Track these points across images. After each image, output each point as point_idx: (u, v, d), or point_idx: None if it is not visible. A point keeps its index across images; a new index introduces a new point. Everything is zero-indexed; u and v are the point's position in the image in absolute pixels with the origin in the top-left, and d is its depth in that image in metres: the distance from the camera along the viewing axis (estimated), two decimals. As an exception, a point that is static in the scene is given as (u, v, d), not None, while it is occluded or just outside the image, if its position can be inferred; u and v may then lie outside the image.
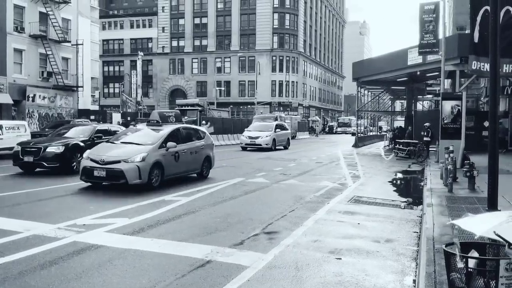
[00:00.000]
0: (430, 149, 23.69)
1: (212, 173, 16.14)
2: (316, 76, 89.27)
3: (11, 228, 7.50)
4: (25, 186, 12.58)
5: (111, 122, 39.44)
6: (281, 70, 74.68)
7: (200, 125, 37.06)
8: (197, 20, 78.84)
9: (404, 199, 11.46)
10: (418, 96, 40.40)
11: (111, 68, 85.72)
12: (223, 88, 73.99)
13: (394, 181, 15.69)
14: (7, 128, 22.91)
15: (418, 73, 27.19)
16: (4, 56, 31.37)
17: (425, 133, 23.08)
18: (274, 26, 74.85)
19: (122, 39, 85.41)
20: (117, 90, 77.29)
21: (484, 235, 3.58)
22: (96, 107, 58.90)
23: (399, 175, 17.61)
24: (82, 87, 40.03)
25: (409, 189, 14.73)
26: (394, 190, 13.58)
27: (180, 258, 6.19)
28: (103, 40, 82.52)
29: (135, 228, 7.79)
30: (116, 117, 41.02)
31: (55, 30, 34.98)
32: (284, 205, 10.27)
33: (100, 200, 10.59)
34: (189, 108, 38.77)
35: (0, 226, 7.66)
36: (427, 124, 23.41)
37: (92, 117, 37.54)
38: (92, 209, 9.32)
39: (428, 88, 38.36)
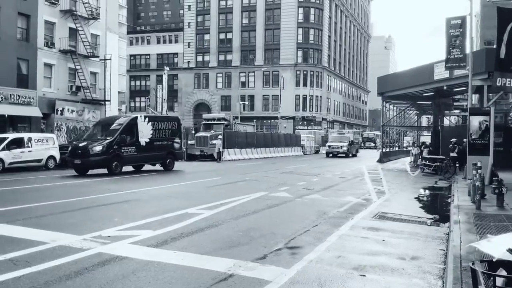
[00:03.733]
0: (457, 165, 23.23)
1: (234, 187, 16.17)
2: (340, 90, 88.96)
3: (38, 239, 7.65)
4: (52, 197, 12.84)
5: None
6: (305, 84, 74.73)
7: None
8: (222, 36, 79.82)
9: (431, 216, 11.23)
10: (445, 111, 39.74)
11: (137, 83, 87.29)
12: (247, 102, 74.38)
13: (420, 198, 15.40)
14: (36, 141, 23.52)
15: (445, 88, 26.79)
16: (35, 70, 32.31)
17: (452, 149, 22.64)
18: (299, 41, 75.15)
19: (149, 54, 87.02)
20: (143, 104, 78.53)
21: (501, 258, 3.48)
22: (122, 121, 59.79)
23: (425, 191, 17.29)
24: (110, 101, 40.83)
25: (436, 205, 14.42)
26: (420, 207, 13.32)
27: (202, 271, 6.19)
28: (130, 55, 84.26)
29: (159, 240, 7.84)
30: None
31: (84, 46, 35.91)
32: (307, 220, 10.20)
33: (125, 212, 10.72)
34: (215, 122, 39.05)
35: (28, 236, 7.83)
36: (454, 139, 22.98)
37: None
38: (117, 221, 9.44)
39: (455, 103, 37.70)
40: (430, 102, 37.05)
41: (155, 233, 8.39)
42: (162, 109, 49.92)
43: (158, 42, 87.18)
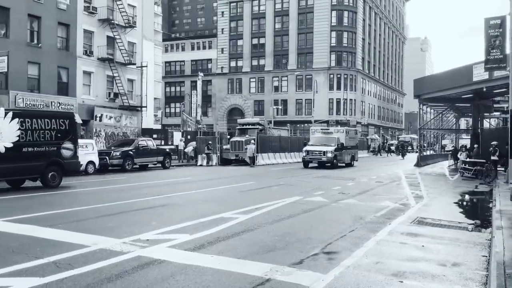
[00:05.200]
0: (498, 169, 22.47)
1: (269, 192, 16.16)
2: (375, 93, 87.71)
3: (79, 242, 7.87)
4: (92, 202, 13.19)
5: (172, 141, 40.76)
6: (338, 88, 74.09)
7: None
8: (255, 41, 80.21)
9: (471, 221, 10.90)
10: (485, 114, 38.57)
11: (172, 89, 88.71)
12: (280, 107, 74.34)
13: (460, 202, 14.98)
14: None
15: (484, 89, 26.03)
16: (74, 78, 33.37)
17: (493, 152, 21.93)
18: (332, 44, 74.63)
19: (183, 61, 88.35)
20: (178, 110, 79.69)
21: None
22: (158, 126, 61.04)
23: (466, 196, 16.81)
24: (146, 107, 41.68)
25: (477, 210, 13.99)
26: (461, 212, 12.96)
27: (239, 275, 6.22)
28: (166, 62, 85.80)
29: (196, 244, 7.93)
30: (177, 135, 42.22)
31: (122, 53, 36.83)
32: (344, 225, 10.09)
33: (162, 216, 10.90)
34: (250, 127, 39.21)
35: (70, 240, 8.07)
36: (494, 142, 22.26)
37: (155, 135, 38.89)
38: (155, 225, 9.60)
39: (495, 105, 36.56)
40: (469, 104, 36.06)
41: (192, 237, 8.49)
42: (196, 115, 50.51)
43: (192, 48, 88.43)
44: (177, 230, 9.15)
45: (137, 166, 28.08)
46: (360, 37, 77.72)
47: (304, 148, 32.31)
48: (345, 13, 75.08)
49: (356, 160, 36.16)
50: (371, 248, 7.94)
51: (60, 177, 17.88)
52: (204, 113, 72.44)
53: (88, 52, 34.60)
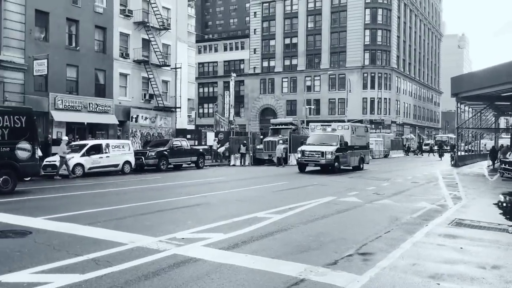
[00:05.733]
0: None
1: (302, 192, 16.09)
2: (411, 92, 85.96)
3: (117, 240, 8.07)
4: (129, 200, 13.49)
5: (205, 141, 41.18)
6: (372, 87, 72.99)
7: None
8: (287, 40, 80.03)
9: (513, 223, 10.54)
10: (526, 112, 37.21)
11: (205, 89, 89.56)
12: (312, 106, 73.88)
13: (500, 204, 14.51)
14: (113, 147, 24.80)
15: (526, 87, 25.10)
16: (111, 80, 34.18)
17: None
18: (366, 43, 73.62)
19: (216, 62, 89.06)
20: (211, 110, 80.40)
21: None
22: (192, 127, 61.77)
23: (506, 197, 16.27)
24: (180, 108, 42.26)
25: (518, 212, 13.52)
26: (501, 213, 12.56)
27: (274, 275, 6.24)
28: (199, 63, 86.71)
29: (230, 243, 8.00)
30: (210, 136, 42.62)
31: (156, 55, 37.47)
32: (379, 226, 9.95)
33: (197, 215, 11.03)
34: (283, 127, 39.18)
35: (108, 237, 8.28)
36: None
37: (188, 136, 39.38)
38: (190, 224, 9.74)
39: (537, 103, 35.20)
40: (509, 103, 34.88)
41: (226, 236, 8.56)
42: (229, 115, 50.85)
43: (225, 49, 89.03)
44: (211, 229, 9.24)
45: (172, 166, 28.50)
46: (395, 35, 76.34)
47: (299, 148, 26.99)
48: (379, 11, 73.92)
49: (367, 163, 30.74)
50: (407, 249, 7.80)
51: (14, 182, 15.56)
52: (237, 113, 72.79)
53: (124, 55, 35.36)
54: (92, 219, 10.12)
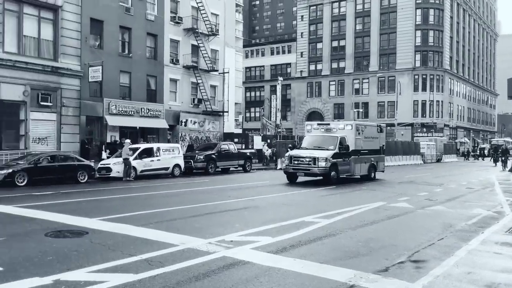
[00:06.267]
0: None
1: (351, 196, 15.86)
2: (464, 94, 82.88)
3: (169, 241, 8.27)
4: (180, 203, 13.78)
5: (252, 145, 41.42)
6: (424, 89, 70.95)
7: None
8: (335, 43, 79.29)
9: None
10: None
11: (252, 94, 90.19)
12: (361, 110, 72.69)
13: None
14: (163, 150, 25.45)
15: None
16: (162, 85, 35.10)
17: None
18: (417, 44, 71.71)
19: (263, 66, 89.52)
20: (257, 114, 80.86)
21: None
22: (239, 131, 62.35)
23: None
24: (227, 112, 42.78)
25: None
26: None
27: (322, 280, 6.19)
28: (246, 68, 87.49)
29: (278, 247, 8.01)
30: (257, 139, 42.84)
31: (205, 61, 38.15)
32: (431, 233, 9.65)
33: (245, 218, 11.12)
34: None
35: (160, 238, 8.50)
36: None
37: (236, 139, 39.79)
38: (238, 227, 9.83)
39: None
40: None
41: (274, 240, 8.58)
42: (276, 119, 50.95)
43: (272, 53, 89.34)
44: (259, 232, 9.29)
45: (219, 169, 28.86)
46: (448, 35, 73.93)
47: (287, 154, 22.33)
48: (431, 11, 71.84)
49: (381, 171, 25.24)
50: (462, 257, 7.52)
51: None
52: (284, 117, 72.81)
53: (174, 61, 36.23)
54: (145, 221, 10.42)
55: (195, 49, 38.08)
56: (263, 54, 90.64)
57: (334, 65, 79.63)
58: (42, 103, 25.13)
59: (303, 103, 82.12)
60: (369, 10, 75.72)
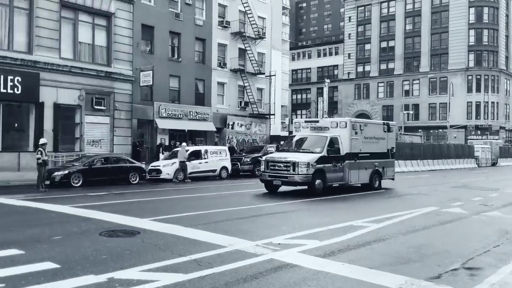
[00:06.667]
0: None
1: (401, 200, 15.49)
2: (522, 95, 78.98)
3: (217, 242, 8.38)
4: (227, 205, 13.93)
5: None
6: (478, 90, 68.21)
7: None
8: (383, 44, 77.73)
9: None
10: None
11: (298, 96, 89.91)
12: (411, 112, 70.81)
13: None
14: (211, 153, 25.85)
15: None
16: (209, 89, 35.67)
17: None
18: (470, 43, 69.09)
19: (310, 68, 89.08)
20: (304, 117, 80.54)
21: None
22: (285, 133, 62.30)
23: None
24: (274, 114, 42.88)
25: None
26: None
27: (372, 285, 6.08)
28: (292, 70, 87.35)
29: (326, 251, 7.94)
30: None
31: (252, 64, 38.44)
32: (487, 239, 9.26)
33: (291, 221, 11.09)
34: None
35: (208, 239, 8.63)
36: None
37: (282, 142, 39.71)
38: (285, 230, 9.82)
39: None
40: None
41: (322, 243, 8.51)
42: (323, 121, 50.66)
43: (319, 55, 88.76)
44: (306, 235, 9.24)
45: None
46: (503, 34, 70.77)
47: (265, 157, 18.67)
48: (485, 9, 69.03)
49: (391, 179, 21.21)
50: (520, 266, 7.18)
51: None
52: (331, 120, 71.95)
53: (222, 64, 36.73)
54: (193, 222, 10.61)
55: (242, 53, 38.44)
56: (309, 56, 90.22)
57: (383, 66, 78.05)
58: (96, 107, 26.13)
59: (350, 105, 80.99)
60: (420, 10, 73.68)
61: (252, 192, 18.50)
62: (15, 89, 22.66)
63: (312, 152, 17.18)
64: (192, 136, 34.21)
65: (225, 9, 37.14)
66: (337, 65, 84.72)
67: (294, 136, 19.51)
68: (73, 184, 19.58)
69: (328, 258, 7.48)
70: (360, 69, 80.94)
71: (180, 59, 33.20)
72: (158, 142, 31.12)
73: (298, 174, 16.46)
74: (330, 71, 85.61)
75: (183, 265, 6.83)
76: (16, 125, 23.55)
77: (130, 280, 6.05)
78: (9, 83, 22.45)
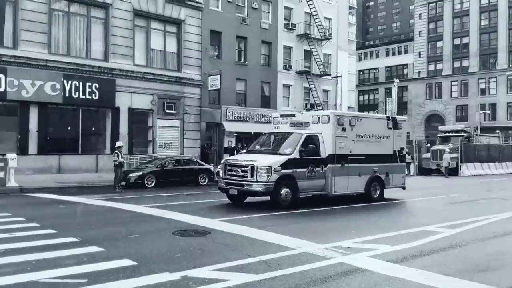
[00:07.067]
0: None
1: (477, 205, 14.73)
2: None
3: (285, 244, 8.42)
4: (294, 207, 13.94)
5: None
6: None
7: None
8: (457, 41, 74.14)
9: None
10: None
11: (366, 97, 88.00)
12: (487, 111, 66.84)
13: None
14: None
15: None
16: (275, 91, 35.88)
17: None
18: (553, 38, 64.23)
19: (377, 68, 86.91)
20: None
21: None
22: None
23: None
24: (340, 116, 42.21)
25: None
26: None
27: (448, 293, 5.85)
28: (359, 70, 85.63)
29: (398, 256, 7.72)
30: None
31: (318, 65, 38.20)
32: None
33: (360, 225, 10.91)
34: (453, 134, 36.42)
35: (277, 241, 8.69)
36: None
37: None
38: (354, 233, 9.67)
39: None
40: None
41: (393, 248, 8.29)
42: (392, 122, 49.24)
43: (387, 55, 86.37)
44: (376, 240, 9.04)
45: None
46: None
47: (223, 159, 15.86)
48: None
49: (401, 187, 17.30)
50: None
51: None
52: (400, 121, 69.75)
53: (287, 67, 36.82)
54: (261, 223, 10.71)
55: (308, 54, 38.30)
56: (377, 56, 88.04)
57: (456, 64, 74.44)
58: (167, 111, 27.12)
59: (421, 105, 77.97)
60: (496, 4, 69.53)
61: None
62: (93, 95, 24.07)
63: (279, 154, 13.87)
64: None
65: (290, 11, 37.21)
66: (406, 64, 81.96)
67: (265, 134, 16.34)
68: (147, 185, 20.46)
69: (401, 263, 7.27)
70: (431, 67, 77.72)
71: (246, 62, 33.69)
72: (226, 144, 31.74)
73: (257, 182, 13.06)
74: (399, 70, 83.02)
75: (253, 266, 6.93)
76: (93, 129, 25.00)
77: (203, 278, 6.24)
78: (88, 90, 23.88)
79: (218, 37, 31.87)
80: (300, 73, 37.51)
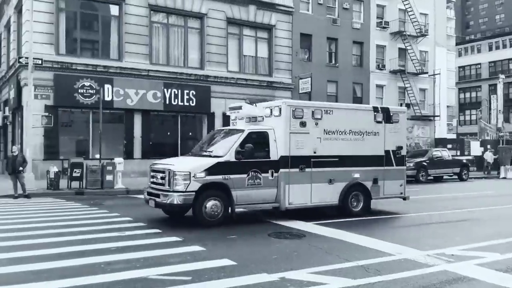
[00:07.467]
0: None
1: None
2: None
3: (383, 249, 8.20)
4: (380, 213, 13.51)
5: (469, 151, 37.79)
6: None
7: None
8: None
9: None
10: None
11: (467, 95, 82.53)
12: None
13: None
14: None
15: None
16: (367, 92, 34.96)
17: None
18: None
19: (479, 63, 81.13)
20: (474, 117, 73.61)
21: None
22: (453, 136, 57.77)
23: None
24: (439, 116, 40.16)
25: None
26: None
27: None
28: (459, 67, 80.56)
29: (509, 265, 7.18)
30: (475, 145, 38.97)
31: (413, 64, 36.62)
32: None
33: (465, 231, 10.32)
34: None
35: (374, 246, 8.49)
36: None
37: (449, 145, 36.94)
38: (458, 240, 9.15)
39: None
40: None
41: (503, 256, 7.73)
42: (497, 121, 45.63)
43: (490, 49, 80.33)
44: (483, 247, 8.48)
45: (431, 177, 27.25)
46: None
47: (151, 164, 12.05)
48: None
49: (401, 197, 13.46)
50: None
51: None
52: (506, 119, 64.53)
53: (380, 66, 35.75)
54: (356, 227, 10.51)
55: (402, 53, 36.88)
56: (479, 51, 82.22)
57: None
58: (259, 115, 27.61)
59: (530, 102, 71.49)
60: None
61: (417, 198, 17.60)
62: (190, 101, 25.28)
63: (208, 156, 11.03)
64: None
65: (383, 9, 36.11)
66: (512, 58, 75.66)
67: (211, 132, 14.88)
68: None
69: (511, 273, 6.76)
70: (542, 60, 71.00)
71: (337, 64, 33.27)
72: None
73: (174, 192, 10.32)
74: (505, 65, 76.74)
75: (351, 270, 6.84)
76: (190, 134, 26.25)
77: (300, 281, 6.28)
78: (185, 97, 25.16)
79: (308, 40, 31.83)
80: (394, 72, 36.21)
